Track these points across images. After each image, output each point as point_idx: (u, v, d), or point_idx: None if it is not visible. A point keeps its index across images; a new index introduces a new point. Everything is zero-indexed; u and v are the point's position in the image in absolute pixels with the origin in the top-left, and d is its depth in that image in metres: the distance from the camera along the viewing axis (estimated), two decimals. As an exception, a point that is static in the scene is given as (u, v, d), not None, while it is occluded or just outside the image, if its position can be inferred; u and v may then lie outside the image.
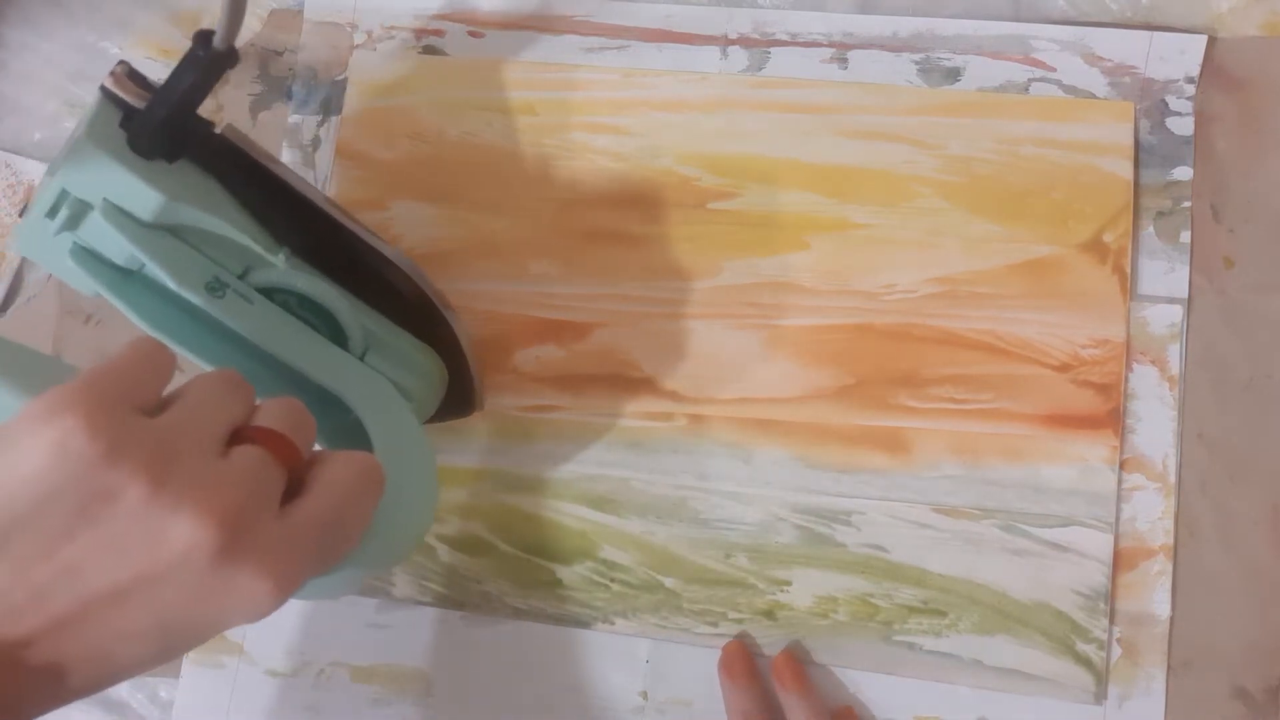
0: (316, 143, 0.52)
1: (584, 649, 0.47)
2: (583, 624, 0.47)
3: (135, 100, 0.38)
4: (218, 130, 0.40)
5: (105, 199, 0.37)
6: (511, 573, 0.47)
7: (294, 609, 0.49)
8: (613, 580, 0.47)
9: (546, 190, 0.50)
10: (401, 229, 0.50)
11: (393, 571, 0.48)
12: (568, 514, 0.47)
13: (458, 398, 0.46)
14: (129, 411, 0.29)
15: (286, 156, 0.52)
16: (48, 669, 0.29)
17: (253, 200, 0.41)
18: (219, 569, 0.29)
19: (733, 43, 0.50)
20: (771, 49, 0.50)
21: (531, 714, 0.47)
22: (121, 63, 0.39)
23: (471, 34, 0.52)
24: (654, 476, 0.47)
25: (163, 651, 0.30)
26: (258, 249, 0.40)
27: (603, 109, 0.50)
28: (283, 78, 0.53)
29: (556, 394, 0.48)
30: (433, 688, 0.47)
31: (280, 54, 0.53)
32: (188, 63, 0.37)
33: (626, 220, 0.49)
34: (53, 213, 0.37)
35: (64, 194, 0.37)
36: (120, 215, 0.37)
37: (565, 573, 0.47)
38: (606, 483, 0.47)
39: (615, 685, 0.46)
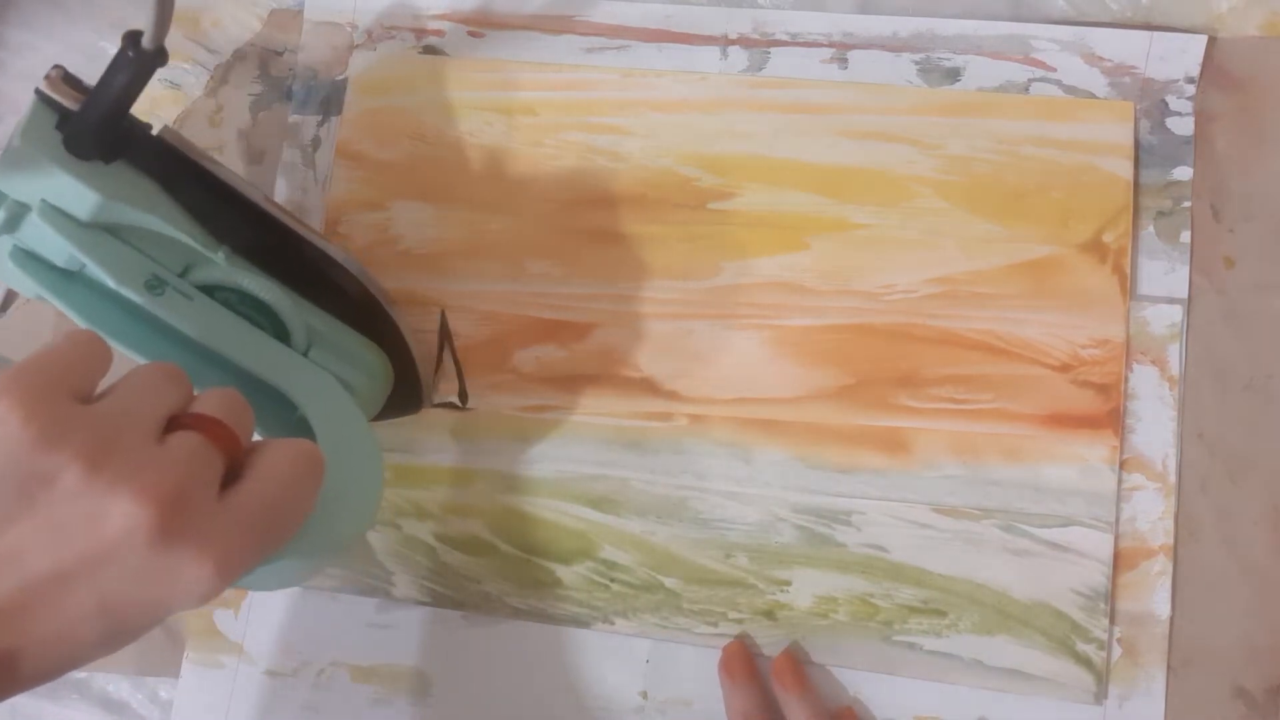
0: (316, 143, 0.52)
1: (584, 649, 0.47)
2: (583, 624, 0.47)
3: (70, 102, 0.38)
4: (154, 132, 0.40)
5: (43, 200, 0.38)
6: (511, 573, 0.47)
7: (294, 608, 0.49)
8: (613, 580, 0.47)
9: (546, 190, 0.50)
10: (401, 229, 0.50)
11: (393, 571, 0.48)
12: (568, 514, 0.47)
13: (404, 394, 0.46)
14: (64, 398, 0.30)
15: (286, 157, 0.52)
16: None
17: (192, 199, 0.41)
18: (159, 550, 0.29)
19: (733, 43, 0.50)
20: (771, 49, 0.50)
21: (531, 714, 0.47)
22: (56, 66, 0.39)
23: (471, 34, 0.52)
24: (654, 476, 0.47)
25: (110, 637, 0.30)
26: (197, 247, 0.40)
27: (602, 109, 0.50)
28: (283, 78, 0.53)
29: (556, 394, 0.48)
30: (433, 688, 0.47)
31: (280, 54, 0.53)
32: (118, 63, 0.37)
33: (626, 220, 0.49)
34: None
35: (1, 196, 0.38)
36: (58, 215, 0.38)
37: (565, 573, 0.47)
38: (606, 483, 0.47)
39: (615, 685, 0.46)
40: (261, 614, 0.49)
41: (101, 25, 0.55)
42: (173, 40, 0.53)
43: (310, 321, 0.43)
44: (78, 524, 0.29)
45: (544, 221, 0.50)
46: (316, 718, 0.48)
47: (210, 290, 0.41)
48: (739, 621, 0.46)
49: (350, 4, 0.53)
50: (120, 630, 0.30)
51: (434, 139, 0.51)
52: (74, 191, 0.37)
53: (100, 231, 0.39)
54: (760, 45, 0.50)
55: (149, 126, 0.40)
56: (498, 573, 0.48)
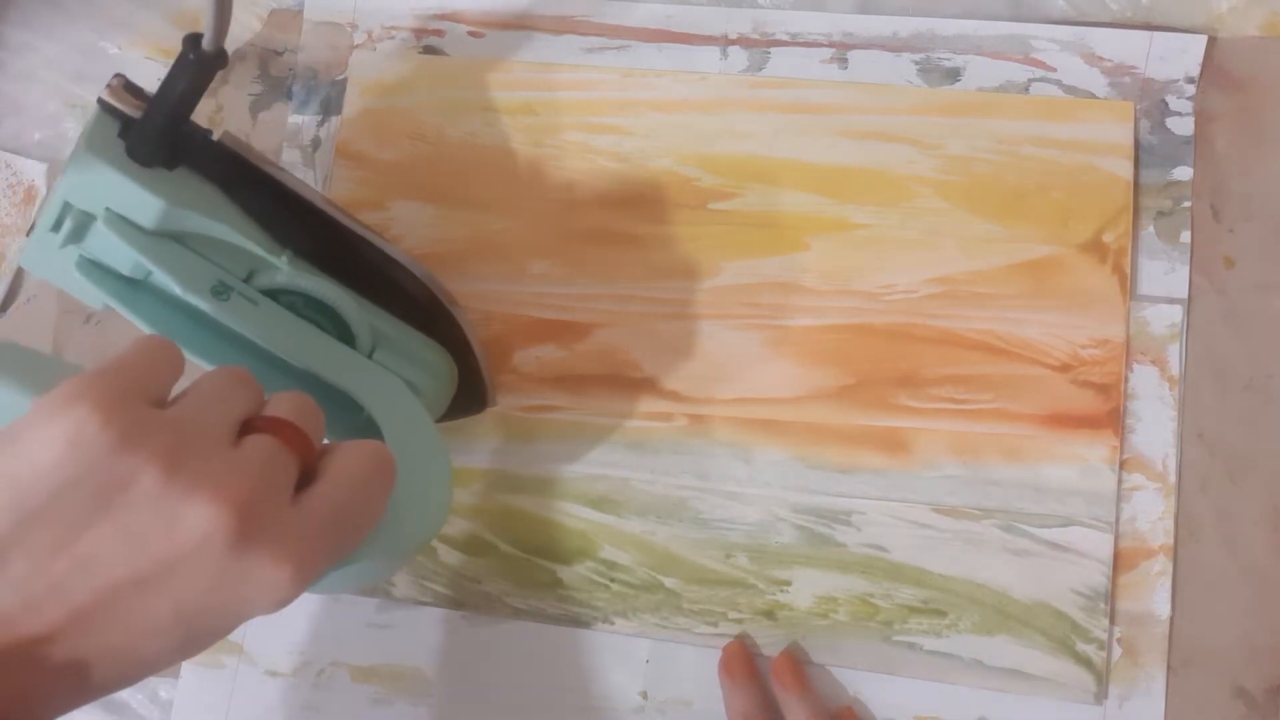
0: (316, 143, 0.52)
1: (584, 649, 0.47)
2: (583, 624, 0.47)
3: (132, 110, 0.38)
4: (215, 137, 0.40)
5: (108, 208, 0.38)
6: (512, 573, 0.47)
7: (294, 608, 0.48)
8: (613, 580, 0.47)
9: (546, 190, 0.50)
10: (401, 229, 0.50)
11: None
12: (568, 514, 0.48)
13: (468, 394, 0.46)
14: (140, 402, 0.29)
15: (286, 157, 0.52)
16: (70, 665, 0.29)
17: (253, 204, 0.41)
18: (236, 556, 0.29)
19: (733, 43, 0.50)
20: (771, 49, 0.50)
21: (531, 714, 0.47)
22: (118, 75, 0.39)
23: (471, 34, 0.52)
24: (654, 476, 0.47)
25: (185, 644, 0.30)
26: (260, 252, 0.40)
27: (603, 109, 0.50)
28: (283, 78, 0.53)
29: (557, 394, 0.48)
30: (433, 688, 0.47)
31: (280, 54, 0.53)
32: (179, 67, 0.37)
33: (626, 220, 0.49)
34: (57, 226, 0.38)
35: (67, 207, 0.38)
36: (123, 224, 0.38)
37: (565, 573, 0.47)
38: (607, 483, 0.47)
39: (615, 685, 0.46)
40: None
41: (101, 25, 0.55)
42: (173, 40, 0.54)
43: (374, 324, 0.43)
44: (154, 530, 0.28)
45: (544, 221, 0.50)
46: (316, 718, 0.48)
47: (274, 295, 0.41)
48: (739, 621, 0.46)
49: (350, 4, 0.53)
50: (194, 637, 0.30)
51: (434, 139, 0.51)
52: (139, 199, 0.38)
53: (165, 239, 0.39)
54: (760, 45, 0.50)
55: (209, 132, 0.40)
56: (498, 573, 0.48)
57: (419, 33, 0.52)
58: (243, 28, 0.54)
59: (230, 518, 0.28)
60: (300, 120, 0.52)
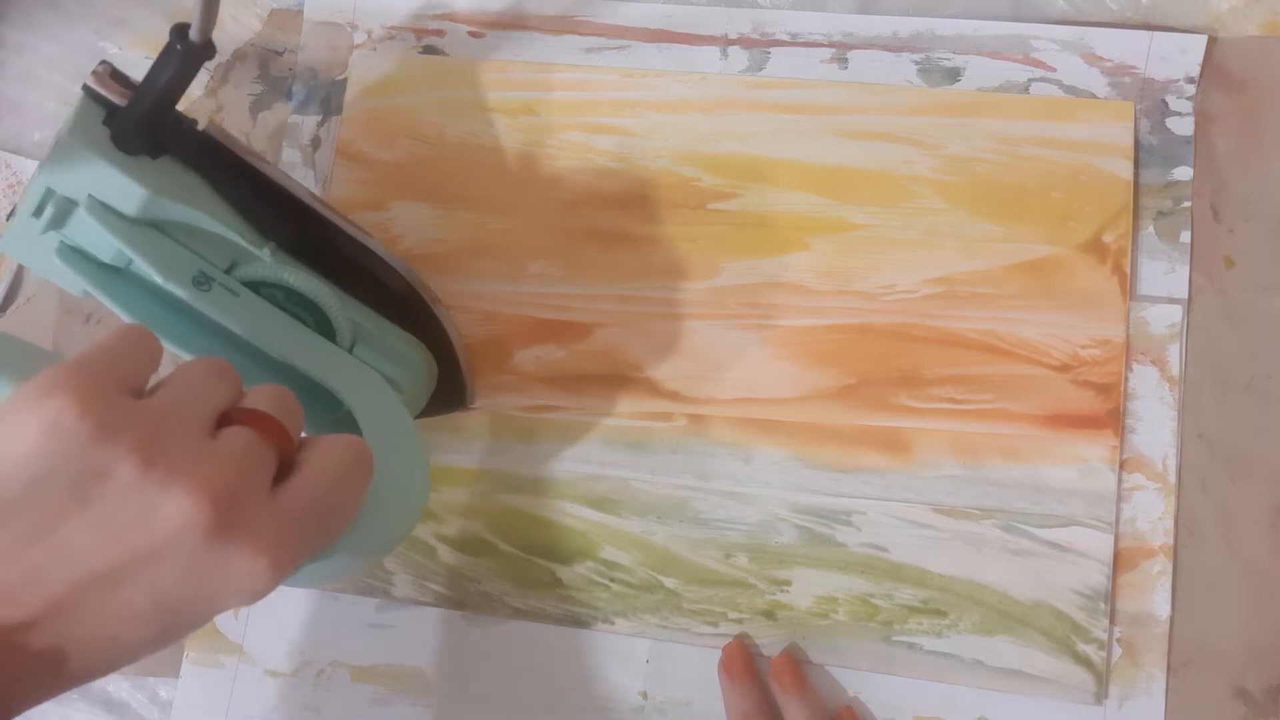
0: (316, 143, 0.52)
1: (584, 649, 0.47)
2: (583, 624, 0.47)
3: (117, 98, 0.38)
4: (201, 127, 0.40)
5: (90, 195, 0.38)
6: (512, 573, 0.47)
7: (294, 608, 0.49)
8: (613, 580, 0.47)
9: (546, 190, 0.50)
10: (401, 229, 0.50)
11: (393, 571, 0.48)
12: (568, 514, 0.47)
13: (447, 391, 0.46)
14: (118, 392, 0.29)
15: (286, 156, 0.52)
16: (47, 654, 0.29)
17: (238, 196, 0.41)
18: (213, 546, 0.29)
19: (732, 43, 0.50)
20: (771, 49, 0.50)
21: (531, 714, 0.47)
22: (104, 62, 0.39)
23: (471, 34, 0.52)
24: (654, 476, 0.47)
25: (162, 634, 0.30)
26: (243, 243, 0.40)
27: (603, 109, 0.50)
28: (283, 78, 0.53)
29: (556, 394, 0.48)
30: (433, 688, 0.47)
31: (280, 54, 0.53)
32: (166, 56, 0.37)
33: (626, 220, 0.49)
34: (39, 211, 0.38)
35: (49, 192, 0.38)
36: (105, 211, 0.38)
37: (565, 573, 0.47)
38: (606, 483, 0.47)
39: (615, 685, 0.46)
40: (262, 614, 0.49)
41: (101, 25, 0.55)
42: (173, 40, 0.54)
43: (355, 318, 0.43)
44: (131, 520, 0.28)
45: (544, 221, 0.50)
46: (316, 718, 0.48)
47: (256, 287, 0.41)
48: (739, 621, 0.46)
49: (350, 4, 0.53)
50: (173, 627, 0.30)
51: (434, 139, 0.51)
52: (121, 187, 0.38)
53: (147, 227, 0.39)
54: (760, 45, 0.50)
55: (195, 122, 0.40)
56: (498, 573, 0.48)
57: (419, 33, 0.52)
58: (243, 28, 0.54)
59: (207, 508, 0.28)
60: (300, 120, 0.52)
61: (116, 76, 0.39)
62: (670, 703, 0.46)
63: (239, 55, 0.54)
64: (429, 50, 0.52)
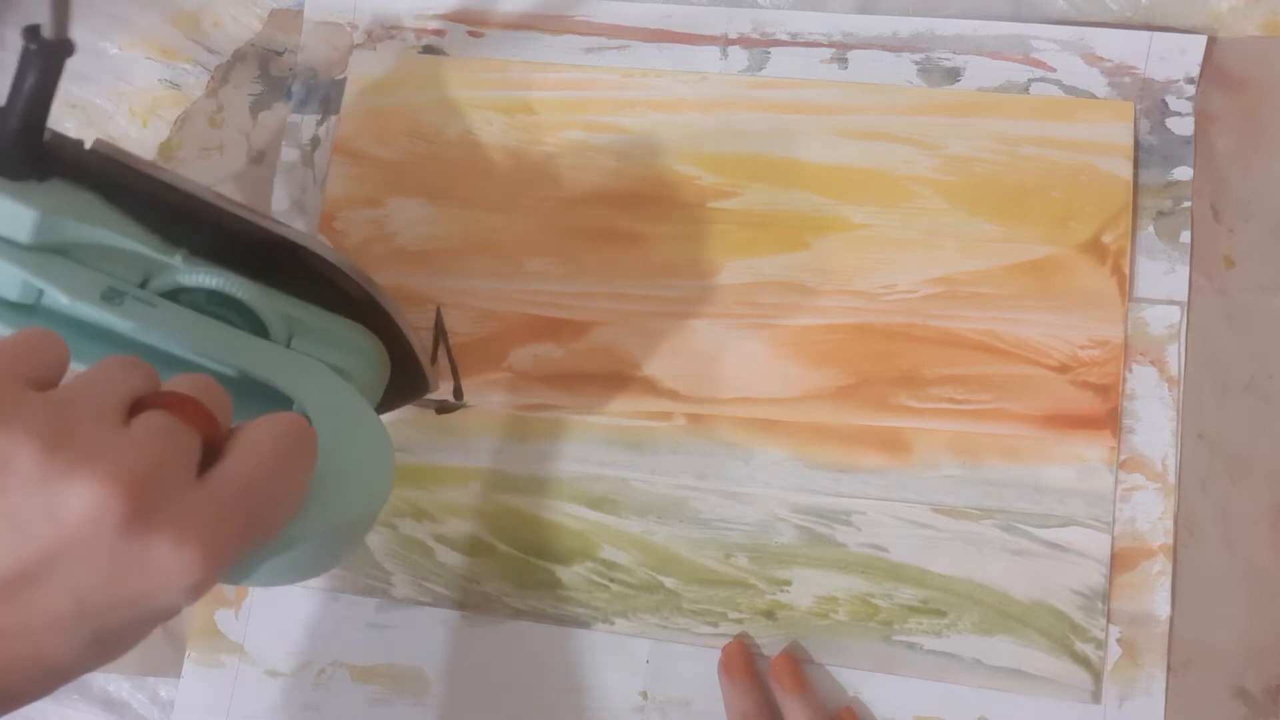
0: (316, 142, 0.52)
1: (584, 649, 0.47)
2: (583, 624, 0.47)
3: None
4: (88, 146, 0.39)
5: None
6: (511, 573, 0.47)
7: (294, 608, 0.49)
8: (612, 580, 0.47)
9: (545, 189, 0.50)
10: (398, 227, 0.50)
11: (392, 572, 0.48)
12: (567, 514, 0.47)
13: (406, 376, 0.45)
14: (16, 382, 0.28)
15: (285, 155, 0.52)
16: None
17: (138, 208, 0.40)
18: (131, 539, 0.26)
19: (732, 43, 0.50)
20: (771, 49, 0.50)
21: (531, 714, 0.47)
22: None
23: (471, 34, 0.52)
24: (654, 476, 0.47)
25: (95, 643, 0.28)
26: (152, 253, 0.39)
27: (602, 109, 0.50)
28: (283, 78, 0.53)
29: (555, 393, 0.48)
30: (432, 688, 0.47)
31: (280, 54, 0.53)
32: (24, 62, 0.35)
33: (625, 219, 0.49)
34: None
35: None
36: (0, 242, 0.36)
37: (565, 573, 0.47)
38: (606, 483, 0.47)
39: (615, 685, 0.46)
40: (262, 614, 0.49)
41: (101, 25, 0.55)
42: (173, 40, 0.54)
43: (287, 311, 0.41)
44: (37, 514, 0.26)
45: (543, 220, 0.50)
46: (316, 718, 0.48)
47: (174, 295, 0.39)
48: (739, 621, 0.46)
49: (350, 4, 0.53)
50: (106, 634, 0.28)
51: (433, 138, 0.51)
52: (10, 212, 0.36)
53: (48, 253, 0.37)
54: (760, 45, 0.50)
55: (81, 142, 0.39)
56: (497, 573, 0.48)
57: (419, 33, 0.52)
58: (243, 28, 0.54)
59: (119, 497, 0.26)
60: (300, 119, 0.52)
61: None
62: (670, 703, 0.46)
63: (239, 55, 0.54)
64: (429, 50, 0.52)
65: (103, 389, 0.29)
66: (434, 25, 0.52)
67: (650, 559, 0.47)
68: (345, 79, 0.52)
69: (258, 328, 0.40)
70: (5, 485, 0.26)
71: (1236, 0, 0.47)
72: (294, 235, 0.41)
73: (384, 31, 0.53)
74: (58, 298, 0.36)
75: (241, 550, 0.29)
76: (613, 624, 0.47)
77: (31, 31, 0.35)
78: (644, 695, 0.46)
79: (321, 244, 0.42)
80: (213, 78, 0.53)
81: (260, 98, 0.53)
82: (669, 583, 0.46)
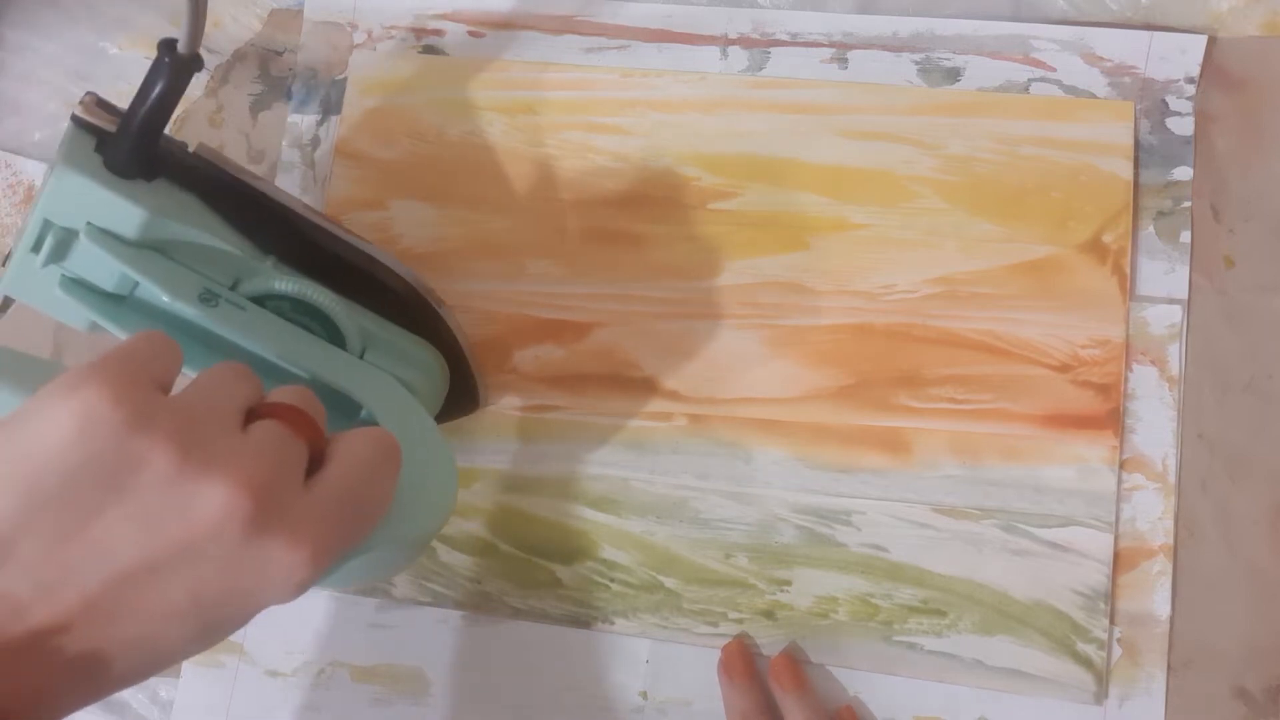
0: (316, 142, 0.52)
1: (584, 649, 0.47)
2: (583, 624, 0.47)
3: (106, 124, 0.38)
4: (191, 149, 0.40)
5: (89, 223, 0.37)
6: (511, 573, 0.47)
7: (294, 608, 0.48)
8: (613, 580, 0.47)
9: (546, 190, 0.50)
10: (400, 228, 0.50)
11: (393, 571, 0.48)
12: (568, 514, 0.48)
13: (460, 394, 0.46)
14: (150, 386, 0.29)
15: (286, 156, 0.52)
16: (85, 657, 0.28)
17: (233, 213, 0.41)
18: (251, 539, 0.28)
19: (733, 43, 0.50)
20: (771, 49, 0.50)
21: (531, 714, 0.47)
22: (89, 93, 0.39)
23: (471, 34, 0.52)
24: (654, 476, 0.47)
25: (202, 633, 0.29)
26: (245, 257, 0.40)
27: (603, 109, 0.50)
28: (283, 78, 0.53)
29: (556, 394, 0.48)
30: (432, 688, 0.47)
31: (280, 54, 0.53)
32: (154, 71, 0.37)
33: (626, 220, 0.49)
34: (38, 246, 0.38)
35: (47, 225, 0.38)
36: (106, 236, 0.38)
37: (565, 573, 0.47)
38: (606, 483, 0.47)
39: (615, 685, 0.46)
40: (262, 614, 0.49)
41: (101, 25, 0.55)
42: (173, 40, 0.54)
43: (363, 325, 0.42)
44: (169, 513, 0.28)
45: (544, 221, 0.50)
46: (316, 718, 0.48)
47: (261, 300, 0.41)
48: (739, 621, 0.46)
49: (350, 4, 0.53)
50: (211, 625, 0.29)
51: (434, 138, 0.51)
52: (120, 210, 0.37)
53: (149, 250, 0.38)
54: (760, 45, 0.50)
55: (185, 145, 0.41)
56: (498, 572, 0.48)
57: (419, 33, 0.52)
58: (243, 28, 0.54)
59: (246, 500, 0.28)
60: (300, 120, 0.52)
61: (103, 104, 0.39)
62: (670, 703, 0.46)
63: (239, 55, 0.54)
64: (429, 50, 0.52)
65: (224, 397, 0.31)
66: (434, 25, 0.52)
67: (650, 559, 0.47)
68: (345, 79, 0.52)
69: (335, 337, 0.42)
70: (140, 483, 0.28)
71: (1236, 0, 0.47)
72: (374, 251, 0.43)
73: (384, 31, 0.53)
74: (157, 295, 0.38)
75: (341, 553, 0.31)
76: (613, 624, 0.47)
77: (168, 45, 0.37)
78: (644, 695, 0.46)
79: (398, 263, 0.44)
80: (212, 78, 0.53)
81: (260, 98, 0.53)
82: (669, 583, 0.46)
